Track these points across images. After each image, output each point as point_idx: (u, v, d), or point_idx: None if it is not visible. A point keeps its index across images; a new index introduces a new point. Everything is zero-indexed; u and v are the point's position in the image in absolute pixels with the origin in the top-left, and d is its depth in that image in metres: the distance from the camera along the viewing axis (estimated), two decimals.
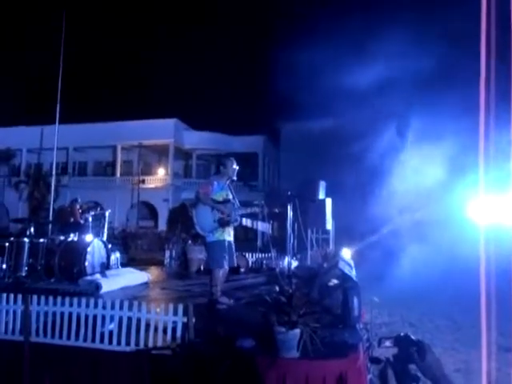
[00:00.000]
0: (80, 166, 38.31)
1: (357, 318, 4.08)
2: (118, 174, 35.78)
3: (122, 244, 15.10)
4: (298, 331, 3.17)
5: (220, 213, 5.21)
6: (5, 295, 4.10)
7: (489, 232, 2.33)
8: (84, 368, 3.59)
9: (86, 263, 6.88)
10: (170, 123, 34.17)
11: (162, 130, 33.41)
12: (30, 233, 7.18)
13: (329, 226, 10.04)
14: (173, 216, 22.32)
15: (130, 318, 3.73)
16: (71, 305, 3.90)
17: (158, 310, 3.79)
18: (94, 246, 7.23)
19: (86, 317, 3.83)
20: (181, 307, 3.68)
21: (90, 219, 7.68)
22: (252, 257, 9.91)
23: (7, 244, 6.94)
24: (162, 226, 29.10)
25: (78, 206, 7.88)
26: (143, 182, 32.63)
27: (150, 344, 3.61)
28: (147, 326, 3.69)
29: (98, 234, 7.77)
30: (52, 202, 16.01)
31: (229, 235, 5.38)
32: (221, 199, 5.32)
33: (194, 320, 3.59)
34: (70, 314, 3.86)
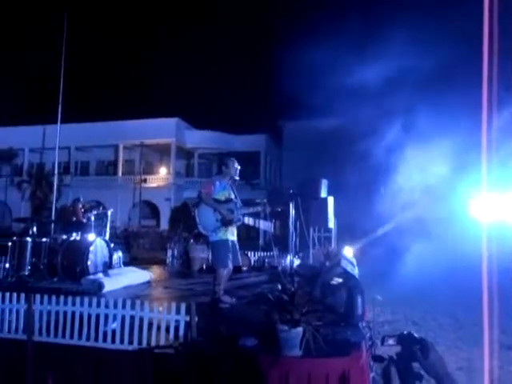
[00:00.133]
0: (82, 165, 38.33)
1: (360, 316, 4.08)
2: (120, 174, 35.77)
3: (124, 243, 15.12)
4: (300, 329, 3.17)
5: (220, 215, 5.21)
6: (8, 294, 4.11)
7: (491, 230, 2.33)
8: (87, 367, 3.59)
9: (89, 262, 6.89)
10: (171, 122, 34.14)
11: (163, 129, 33.38)
12: (33, 232, 7.19)
13: (331, 224, 10.04)
14: (175, 215, 22.33)
15: (132, 317, 3.74)
16: (74, 304, 3.91)
17: (160, 308, 3.80)
18: (97, 245, 7.24)
19: (89, 316, 3.84)
20: (183, 306, 3.68)
21: (93, 218, 7.68)
22: (254, 255, 9.92)
23: (10, 243, 6.97)
24: (164, 225, 29.11)
25: (80, 206, 7.88)
26: (145, 181, 32.61)
27: (153, 343, 3.62)
28: (150, 324, 3.70)
29: (100, 234, 7.77)
30: (54, 202, 16.02)
31: (232, 234, 5.38)
32: (223, 199, 5.33)
33: (196, 319, 3.59)
34: (73, 313, 3.87)
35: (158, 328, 3.68)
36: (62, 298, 3.95)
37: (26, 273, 6.88)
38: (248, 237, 15.34)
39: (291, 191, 5.83)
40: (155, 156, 36.90)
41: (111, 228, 8.69)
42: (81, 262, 6.85)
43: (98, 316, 3.82)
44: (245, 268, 8.85)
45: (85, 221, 7.68)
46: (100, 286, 6.13)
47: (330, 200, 10.07)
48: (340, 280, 4.75)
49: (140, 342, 3.63)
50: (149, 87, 71.79)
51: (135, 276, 7.21)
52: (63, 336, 3.82)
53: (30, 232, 7.18)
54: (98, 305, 3.86)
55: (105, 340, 3.71)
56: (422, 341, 3.67)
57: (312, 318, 3.29)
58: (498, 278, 2.24)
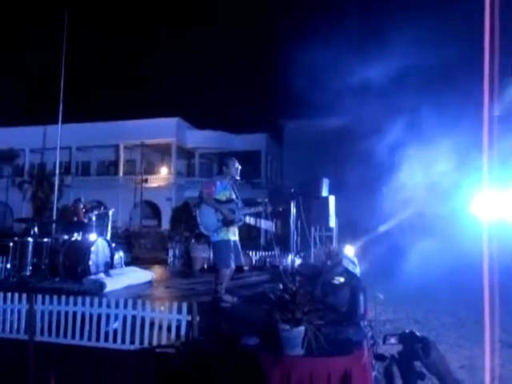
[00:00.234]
0: (83, 165, 38.39)
1: (362, 315, 4.08)
2: (121, 174, 35.81)
3: (125, 243, 15.15)
4: (302, 329, 3.17)
5: (222, 215, 5.21)
6: (9, 294, 4.11)
7: (492, 228, 2.33)
8: (88, 367, 3.59)
9: (90, 262, 6.90)
10: (172, 122, 34.18)
11: (164, 129, 33.42)
12: (34, 232, 7.20)
13: (332, 223, 10.05)
14: (176, 215, 22.38)
15: (134, 317, 3.74)
16: (75, 304, 3.91)
17: (162, 308, 3.80)
18: (98, 245, 7.25)
19: (91, 316, 3.84)
20: (185, 305, 3.68)
21: (94, 218, 7.69)
22: (255, 255, 9.92)
23: (11, 244, 6.98)
24: (166, 224, 29.18)
25: (81, 206, 7.89)
26: (146, 181, 32.64)
27: (155, 342, 3.62)
28: (151, 324, 3.70)
29: (101, 234, 7.78)
30: (55, 202, 16.05)
31: (233, 235, 5.38)
32: (224, 199, 5.32)
33: (198, 318, 3.59)
34: (75, 313, 3.87)
35: (160, 328, 3.68)
36: (63, 298, 3.96)
37: (28, 273, 6.89)
38: (249, 236, 15.31)
39: (292, 190, 5.83)
40: (156, 156, 36.94)
41: (112, 228, 8.69)
42: (82, 262, 6.86)
43: (99, 316, 3.82)
44: (246, 267, 8.85)
45: (86, 221, 7.69)
46: (101, 285, 6.14)
47: (331, 199, 10.07)
48: (341, 279, 4.75)
49: (142, 342, 3.63)
50: (149, 87, 71.91)
51: (137, 276, 7.21)
52: (65, 336, 3.83)
53: (32, 232, 7.19)
54: (100, 305, 3.86)
55: (106, 340, 3.71)
56: (424, 339, 3.67)
57: (314, 317, 3.29)
58: (499, 277, 2.23)
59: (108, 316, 3.82)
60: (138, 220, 30.71)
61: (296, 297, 3.30)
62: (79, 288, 6.18)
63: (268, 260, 9.64)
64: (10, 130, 33.66)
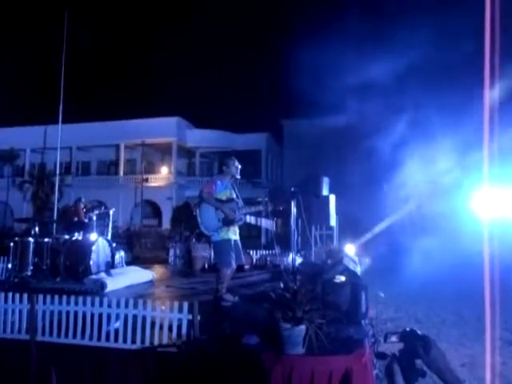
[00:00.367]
0: (83, 165, 38.33)
1: (363, 314, 4.08)
2: (122, 173, 35.77)
3: (126, 243, 15.16)
4: (303, 327, 3.17)
5: (223, 214, 5.22)
6: (11, 295, 4.12)
7: (493, 226, 2.33)
8: (90, 366, 3.60)
9: (91, 262, 6.90)
10: (172, 121, 34.14)
11: (164, 129, 33.38)
12: (35, 232, 7.20)
13: (332, 222, 10.06)
14: (176, 214, 22.36)
15: (135, 316, 3.74)
16: (77, 304, 3.91)
17: (163, 307, 3.80)
18: (99, 244, 7.25)
19: (92, 315, 3.84)
20: (186, 305, 3.68)
21: (95, 218, 7.69)
22: (256, 254, 9.92)
23: (12, 244, 6.97)
24: (166, 224, 29.14)
25: (82, 206, 7.89)
26: (147, 180, 32.62)
27: (156, 342, 3.62)
28: (152, 323, 3.71)
29: (102, 233, 7.79)
30: (56, 202, 16.08)
31: (234, 234, 5.38)
32: (224, 198, 5.33)
33: (199, 317, 3.59)
34: (76, 313, 3.87)
35: (161, 327, 3.68)
36: (64, 297, 3.96)
37: (29, 273, 6.88)
38: (250, 235, 15.35)
39: (293, 189, 5.83)
40: (156, 155, 36.89)
41: (113, 228, 8.70)
42: (83, 261, 6.86)
43: (100, 315, 3.82)
44: (247, 266, 8.86)
45: (87, 221, 7.69)
46: (102, 285, 6.14)
47: (332, 198, 10.07)
48: (342, 278, 4.75)
49: (143, 341, 3.63)
50: (149, 86, 71.85)
51: (137, 275, 7.22)
52: (66, 336, 3.83)
53: (32, 232, 7.20)
54: (101, 304, 3.87)
55: (108, 339, 3.72)
56: (425, 338, 3.68)
57: (314, 316, 3.29)
58: (500, 274, 2.24)
59: (109, 315, 3.82)
60: (138, 219, 30.67)
61: (297, 296, 3.30)
62: (80, 288, 6.18)
63: (269, 259, 9.64)
64: (10, 130, 33.63)
